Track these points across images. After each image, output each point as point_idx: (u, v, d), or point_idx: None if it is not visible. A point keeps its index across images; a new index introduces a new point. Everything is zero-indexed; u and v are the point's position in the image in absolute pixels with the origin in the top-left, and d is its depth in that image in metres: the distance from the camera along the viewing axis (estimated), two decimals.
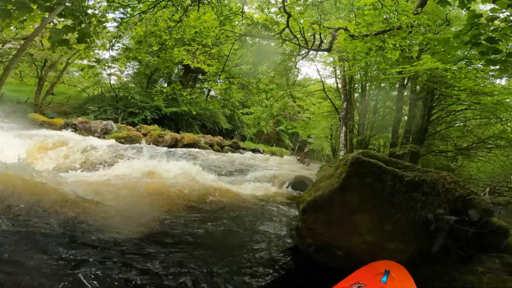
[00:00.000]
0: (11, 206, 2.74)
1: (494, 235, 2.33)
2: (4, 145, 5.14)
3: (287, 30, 5.36)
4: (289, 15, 5.26)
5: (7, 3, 2.27)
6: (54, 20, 2.99)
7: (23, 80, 23.73)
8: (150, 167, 6.34)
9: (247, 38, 5.87)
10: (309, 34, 6.05)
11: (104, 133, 13.44)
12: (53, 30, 2.37)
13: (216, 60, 6.28)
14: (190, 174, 6.26)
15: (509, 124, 9.43)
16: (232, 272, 2.25)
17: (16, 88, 22.89)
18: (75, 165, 6.48)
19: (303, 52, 6.38)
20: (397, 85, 10.41)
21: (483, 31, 2.64)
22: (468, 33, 2.70)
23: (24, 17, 2.76)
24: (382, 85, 11.47)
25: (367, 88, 12.64)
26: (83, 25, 2.64)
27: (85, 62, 5.63)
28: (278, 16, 5.88)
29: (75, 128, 13.22)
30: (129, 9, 4.68)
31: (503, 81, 9.25)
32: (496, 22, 2.62)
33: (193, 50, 6.49)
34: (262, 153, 19.23)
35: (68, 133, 11.19)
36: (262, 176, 8.01)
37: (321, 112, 15.54)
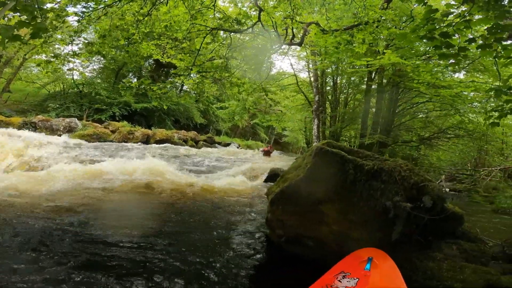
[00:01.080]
0: None
1: (449, 221, 2.47)
2: None
3: (259, 24, 5.35)
4: (261, 10, 5.25)
5: None
6: (8, 15, 2.73)
7: None
8: (119, 165, 6.10)
9: (221, 32, 5.76)
10: (282, 28, 6.10)
11: (68, 131, 12.62)
12: (2, 26, 2.17)
13: (187, 55, 6.10)
14: (161, 171, 6.11)
15: (466, 116, 10.20)
16: (206, 267, 2.24)
17: None
18: (32, 164, 6.04)
19: (276, 46, 6.41)
20: (365, 79, 10.89)
21: (437, 26, 2.78)
22: (424, 28, 2.83)
23: None
24: (352, 78, 11.92)
25: (338, 81, 13.07)
26: (38, 20, 2.45)
27: (44, 57, 5.19)
28: (252, 10, 5.84)
29: (34, 127, 12.27)
30: (92, 3, 4.38)
31: (461, 75, 10.01)
32: (451, 17, 2.76)
33: (163, 44, 6.25)
34: (238, 147, 19.20)
35: (26, 133, 10.35)
36: (237, 171, 8.02)
37: (295, 105, 15.84)
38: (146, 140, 13.55)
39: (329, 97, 13.50)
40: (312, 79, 12.84)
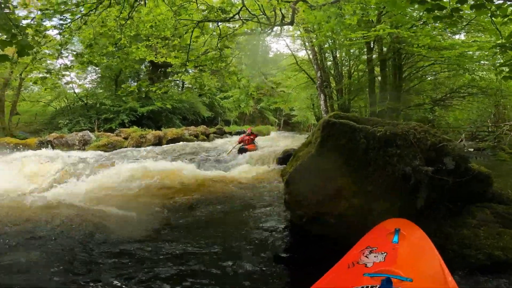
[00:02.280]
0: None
1: (476, 183, 2.29)
2: None
3: (246, 10, 5.19)
4: None
5: None
6: None
7: None
8: (139, 168, 6.22)
9: (209, 24, 5.62)
10: (270, 10, 5.92)
11: (83, 145, 12.94)
12: None
13: (180, 52, 6.01)
14: (177, 169, 6.19)
15: (476, 74, 9.88)
16: (230, 254, 2.27)
17: None
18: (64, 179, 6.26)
19: (268, 29, 6.25)
20: (365, 50, 10.65)
21: None
22: None
23: None
24: (352, 50, 11.65)
25: (338, 55, 12.89)
26: (19, 38, 2.43)
27: (39, 74, 5.25)
28: None
29: (51, 145, 12.65)
30: (68, 14, 4.32)
31: (462, 37, 9.75)
32: None
33: (153, 44, 6.17)
34: None
35: (46, 151, 10.68)
36: (251, 157, 8.02)
37: (298, 84, 15.69)
38: (159, 141, 13.71)
39: (332, 71, 13.34)
40: (311, 56, 12.65)
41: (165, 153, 8.99)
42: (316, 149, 2.36)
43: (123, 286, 1.84)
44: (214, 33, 6.22)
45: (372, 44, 9.93)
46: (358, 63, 12.68)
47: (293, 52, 14.57)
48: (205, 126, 17.97)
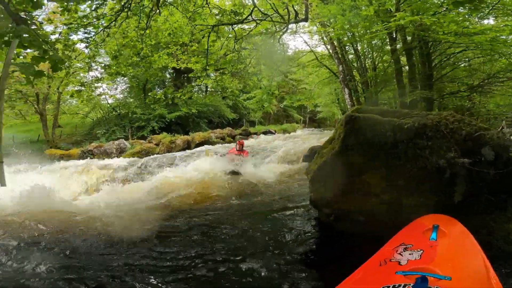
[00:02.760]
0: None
1: None
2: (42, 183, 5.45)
3: (258, 10, 5.24)
4: None
5: None
6: (23, 53, 3.00)
7: (26, 119, 24.45)
8: (170, 174, 6.50)
9: (225, 27, 5.76)
10: (283, 9, 5.89)
11: (120, 153, 13.76)
12: (20, 65, 2.38)
13: (200, 57, 6.21)
14: (205, 170, 6.36)
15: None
16: (257, 253, 2.28)
17: (23, 128, 23.75)
18: (108, 185, 6.70)
19: (283, 28, 6.23)
20: (387, 40, 10.21)
21: None
22: None
23: None
24: (373, 42, 11.22)
25: (359, 48, 12.47)
26: (50, 53, 2.63)
27: (76, 88, 5.73)
28: None
29: (92, 154, 13.62)
30: (91, 28, 4.66)
31: (491, 21, 9.02)
32: None
33: (173, 51, 6.43)
34: (274, 133, 19.18)
35: (88, 160, 11.51)
36: (276, 156, 8.02)
37: (320, 80, 15.41)
38: (188, 146, 14.20)
39: (354, 64, 12.94)
40: (330, 51, 12.42)
41: (193, 157, 9.27)
42: (339, 145, 2.31)
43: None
44: (230, 36, 6.34)
45: (394, 34, 9.50)
46: (382, 54, 12.21)
47: (312, 48, 14.40)
48: (230, 128, 18.29)
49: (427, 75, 9.33)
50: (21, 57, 2.97)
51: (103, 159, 12.26)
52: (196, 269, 2.08)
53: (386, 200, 2.41)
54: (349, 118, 2.25)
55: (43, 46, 2.45)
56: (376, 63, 12.62)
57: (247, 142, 14.27)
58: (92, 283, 1.96)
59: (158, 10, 4.99)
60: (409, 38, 9.46)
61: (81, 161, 10.72)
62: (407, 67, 10.31)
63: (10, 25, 2.46)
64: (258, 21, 5.61)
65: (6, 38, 2.41)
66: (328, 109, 22.56)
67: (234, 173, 5.73)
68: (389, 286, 0.95)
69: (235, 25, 5.51)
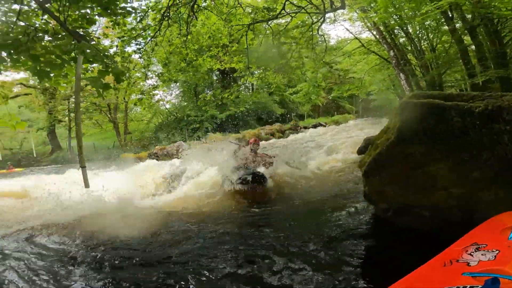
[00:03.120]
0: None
1: None
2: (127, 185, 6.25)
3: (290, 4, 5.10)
4: None
5: (37, 63, 2.72)
6: (90, 67, 3.42)
7: (102, 127, 28.37)
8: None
9: (263, 24, 5.78)
10: None
11: (177, 153, 15.01)
12: (90, 79, 2.74)
13: (241, 56, 6.36)
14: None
15: None
16: (310, 251, 2.24)
17: (100, 136, 27.65)
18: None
19: (320, 18, 5.95)
20: (443, 20, 8.99)
21: None
22: None
23: (63, 72, 3.24)
24: (426, 23, 9.96)
25: (411, 30, 11.26)
26: (112, 66, 2.97)
27: (138, 96, 6.44)
28: None
29: (157, 156, 15.11)
30: (140, 39, 5.15)
31: None
32: None
33: (216, 53, 6.70)
34: (324, 126, 18.57)
35: (154, 162, 12.66)
36: (328, 149, 7.76)
37: (371, 67, 14.49)
38: None
39: (408, 47, 11.76)
40: (377, 36, 11.47)
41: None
42: (395, 135, 2.12)
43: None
44: (268, 32, 6.32)
45: (450, 13, 8.32)
46: (440, 35, 10.86)
47: (356, 35, 13.54)
48: (279, 124, 18.34)
49: (500, 54, 8.00)
50: (89, 71, 3.42)
51: (167, 160, 13.49)
52: (250, 266, 2.11)
53: (457, 194, 2.13)
54: (406, 105, 2.05)
55: (105, 60, 2.78)
56: (435, 44, 11.30)
57: (296, 136, 14.11)
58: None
59: (194, 16, 5.26)
60: (468, 16, 8.27)
61: (150, 163, 11.74)
62: (472, 47, 9.00)
63: (73, 42, 2.85)
64: (292, 15, 5.47)
65: (73, 55, 2.79)
66: (383, 97, 20.91)
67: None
68: None
69: (270, 22, 5.47)
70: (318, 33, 6.45)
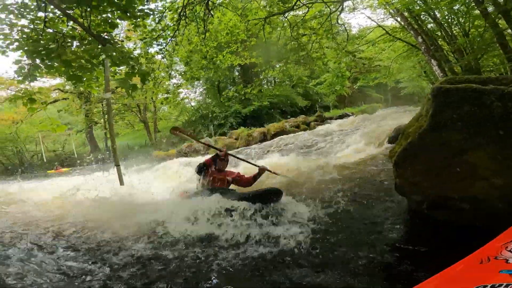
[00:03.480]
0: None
1: None
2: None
3: None
4: None
5: (69, 68, 2.90)
6: (118, 70, 3.60)
7: (134, 127, 29.94)
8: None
9: (278, 17, 5.68)
10: None
11: (207, 149, 15.38)
12: (118, 80, 2.87)
13: (261, 50, 6.32)
14: (280, 161, 6.47)
15: None
16: (339, 246, 2.20)
17: (133, 135, 29.19)
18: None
19: (337, 7, 5.69)
20: (472, 3, 8.27)
21: None
22: None
23: (94, 76, 3.42)
24: (455, 7, 9.19)
25: (439, 15, 10.49)
26: (137, 68, 3.10)
27: (165, 95, 6.70)
28: None
29: (185, 153, 15.64)
30: (161, 39, 5.31)
31: None
32: None
33: (235, 49, 6.71)
34: (352, 115, 17.96)
35: (183, 159, 13.05)
36: (356, 139, 7.51)
37: (398, 55, 13.88)
38: (264, 137, 14.70)
39: (438, 33, 11.09)
40: (402, 22, 10.89)
41: (270, 148, 9.48)
42: (429, 122, 1.99)
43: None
44: (285, 25, 6.20)
45: None
46: (472, 19, 10.06)
47: (379, 23, 12.88)
48: (304, 116, 18.01)
49: None
50: (117, 73, 3.60)
51: (194, 156, 13.90)
52: (281, 264, 2.08)
53: (499, 185, 1.98)
54: (438, 90, 1.92)
55: (130, 62, 2.90)
56: (467, 29, 10.51)
57: (322, 128, 13.78)
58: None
59: (210, 13, 5.31)
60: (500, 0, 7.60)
61: (180, 159, 12.12)
62: (509, 30, 8.26)
63: (99, 46, 3.01)
64: (308, 5, 5.31)
65: (101, 59, 2.94)
66: (414, 84, 19.84)
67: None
68: (487, 286, 0.82)
69: (287, 13, 5.35)
70: (337, 22, 6.20)
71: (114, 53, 3.01)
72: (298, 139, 10.26)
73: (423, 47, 9.49)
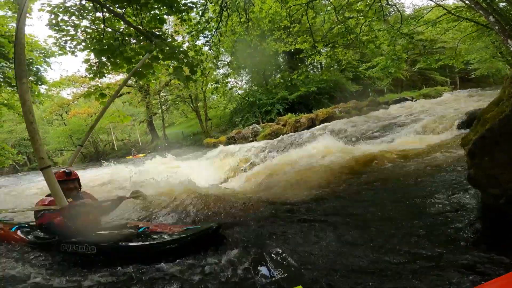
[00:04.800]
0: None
1: None
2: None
3: None
4: None
5: (131, 64, 3.19)
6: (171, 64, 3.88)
7: (187, 116, 32.09)
8: (300, 151, 6.77)
9: (322, 1, 5.37)
10: None
11: (255, 136, 15.72)
12: (174, 73, 3.14)
13: (305, 36, 6.08)
14: (330, 147, 6.28)
15: None
16: (403, 243, 2.04)
17: (186, 124, 31.26)
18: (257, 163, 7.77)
19: None
20: None
21: None
22: None
23: (151, 70, 3.73)
24: None
25: None
26: (185, 60, 3.31)
27: (214, 85, 7.02)
28: None
29: (234, 140, 16.21)
30: (207, 31, 5.49)
31: None
32: None
33: (278, 36, 6.58)
34: (412, 100, 16.36)
35: (231, 146, 13.42)
36: (418, 126, 6.89)
37: (465, 35, 12.41)
38: (312, 123, 14.36)
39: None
40: (467, 1, 9.31)
41: (319, 133, 9.17)
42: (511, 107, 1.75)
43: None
44: (329, 8, 5.82)
45: None
46: None
47: (438, 3, 11.22)
48: (355, 101, 17.01)
49: None
50: (170, 66, 3.89)
51: (243, 143, 14.24)
52: (347, 261, 2.01)
53: None
54: None
55: (180, 55, 3.13)
56: None
57: (376, 114, 12.79)
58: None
59: (250, 2, 5.26)
60: None
61: (231, 147, 12.46)
62: None
63: (153, 43, 3.27)
64: None
65: (155, 53, 3.22)
66: (487, 65, 17.32)
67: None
68: None
69: None
70: (388, 2, 5.58)
71: (167, 48, 3.27)
72: (350, 124, 9.75)
73: (496, 27, 8.11)
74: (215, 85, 6.63)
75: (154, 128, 29.40)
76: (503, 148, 1.89)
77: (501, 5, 9.55)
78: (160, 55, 3.32)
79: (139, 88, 25.10)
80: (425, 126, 6.62)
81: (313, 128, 11.62)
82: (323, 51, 7.42)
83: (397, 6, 7.37)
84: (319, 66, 21.87)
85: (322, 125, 12.45)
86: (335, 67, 17.52)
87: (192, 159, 11.25)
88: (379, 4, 5.86)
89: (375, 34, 6.41)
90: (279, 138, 10.68)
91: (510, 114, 1.76)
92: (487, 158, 2.01)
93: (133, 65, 3.65)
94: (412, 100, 16.28)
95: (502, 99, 1.95)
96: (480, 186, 2.24)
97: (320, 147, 6.43)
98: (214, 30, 5.79)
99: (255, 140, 14.58)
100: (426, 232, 2.16)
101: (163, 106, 28.31)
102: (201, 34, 5.78)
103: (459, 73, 24.64)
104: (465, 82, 24.77)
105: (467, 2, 9.38)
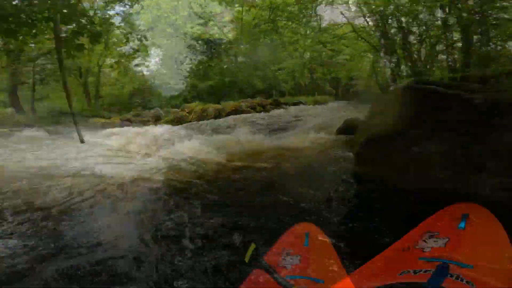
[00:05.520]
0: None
1: None
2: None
3: None
4: None
5: (6, 23, 2.47)
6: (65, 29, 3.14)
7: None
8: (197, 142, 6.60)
9: None
10: None
11: (156, 120, 14.45)
12: (65, 39, 2.52)
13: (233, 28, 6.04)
14: (235, 140, 6.46)
15: None
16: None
17: (65, 100, 25.51)
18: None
19: None
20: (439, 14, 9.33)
21: None
22: None
23: (33, 32, 2.97)
24: (420, 16, 10.16)
25: (404, 22, 11.47)
26: (89, 27, 2.73)
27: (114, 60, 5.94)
28: None
29: (130, 122, 14.42)
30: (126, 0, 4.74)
31: None
32: None
33: (206, 21, 6.29)
34: (305, 104, 18.74)
35: (128, 128, 11.79)
36: (308, 127, 7.91)
37: (358, 53, 14.89)
38: (219, 114, 14.39)
39: (397, 39, 11.93)
40: (371, 23, 11.75)
41: (223, 125, 9.33)
42: (395, 117, 2.16)
43: None
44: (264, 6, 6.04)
45: (447, 9, 8.66)
46: (430, 30, 11.34)
47: (350, 20, 13.67)
48: (261, 98, 18.12)
49: (486, 51, 8.62)
50: (63, 34, 3.13)
51: (141, 126, 12.85)
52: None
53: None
54: (408, 88, 2.07)
55: (81, 20, 2.57)
56: (423, 37, 11.74)
57: (278, 112, 14.06)
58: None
59: None
60: (464, 14, 8.67)
61: (127, 128, 11.00)
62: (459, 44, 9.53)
63: (49, 2, 2.56)
64: None
65: (46, 14, 2.54)
66: (364, 83, 21.91)
67: None
68: (409, 271, 0.96)
69: None
70: (314, 12, 6.26)
71: (65, 10, 2.62)
72: (253, 120, 10.33)
73: (383, 49, 10.34)
74: (119, 59, 5.68)
75: (18, 100, 22.76)
76: (384, 151, 2.31)
77: (393, 30, 12.12)
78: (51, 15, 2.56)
79: (8, 52, 18.82)
80: (313, 128, 7.69)
81: (220, 119, 11.68)
82: (242, 46, 7.48)
83: (319, 17, 8.23)
84: (234, 59, 22.16)
85: (230, 117, 12.72)
86: (251, 63, 18.16)
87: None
88: (312, 11, 6.34)
89: (298, 37, 6.91)
90: (185, 125, 10.21)
91: (393, 123, 2.15)
92: (371, 157, 2.43)
93: (9, 24, 2.70)
94: (305, 104, 18.70)
95: (382, 109, 2.37)
96: (361, 181, 2.71)
97: (220, 139, 6.50)
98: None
99: (156, 125, 13.46)
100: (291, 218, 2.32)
101: (37, 75, 22.12)
102: (118, 3, 4.83)
103: (342, 87, 29.96)
104: (345, 94, 30.33)
105: (371, 23, 11.50)
